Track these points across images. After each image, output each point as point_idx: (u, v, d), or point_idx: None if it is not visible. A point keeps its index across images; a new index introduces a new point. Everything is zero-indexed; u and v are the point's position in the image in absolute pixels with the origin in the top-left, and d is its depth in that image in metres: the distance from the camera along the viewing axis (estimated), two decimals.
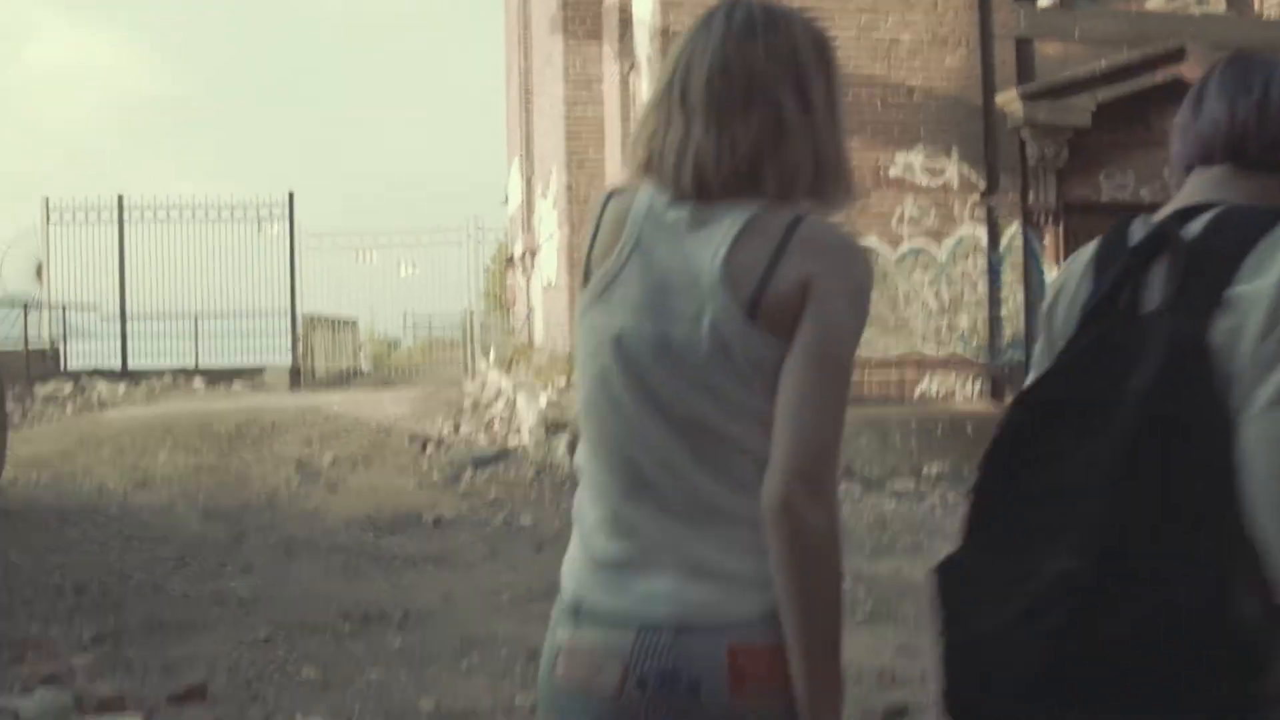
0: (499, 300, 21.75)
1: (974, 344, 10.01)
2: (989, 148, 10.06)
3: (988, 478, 1.46)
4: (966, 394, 9.98)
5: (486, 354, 16.50)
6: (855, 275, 1.42)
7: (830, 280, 1.38)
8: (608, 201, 1.52)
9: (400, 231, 20.70)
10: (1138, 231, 1.49)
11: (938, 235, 9.94)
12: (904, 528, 7.64)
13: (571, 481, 8.99)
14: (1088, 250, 1.57)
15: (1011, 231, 10.09)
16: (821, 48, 1.48)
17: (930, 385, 9.95)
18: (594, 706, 1.41)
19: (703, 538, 1.39)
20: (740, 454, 1.39)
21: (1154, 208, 2.01)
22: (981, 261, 9.98)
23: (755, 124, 1.42)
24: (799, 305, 1.37)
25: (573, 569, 1.50)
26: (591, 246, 1.51)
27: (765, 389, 1.38)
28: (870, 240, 9.85)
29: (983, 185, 9.97)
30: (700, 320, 1.38)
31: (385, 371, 21.70)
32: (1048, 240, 10.19)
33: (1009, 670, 1.34)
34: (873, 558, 6.76)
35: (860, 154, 9.78)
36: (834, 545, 1.35)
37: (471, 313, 19.40)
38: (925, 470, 9.49)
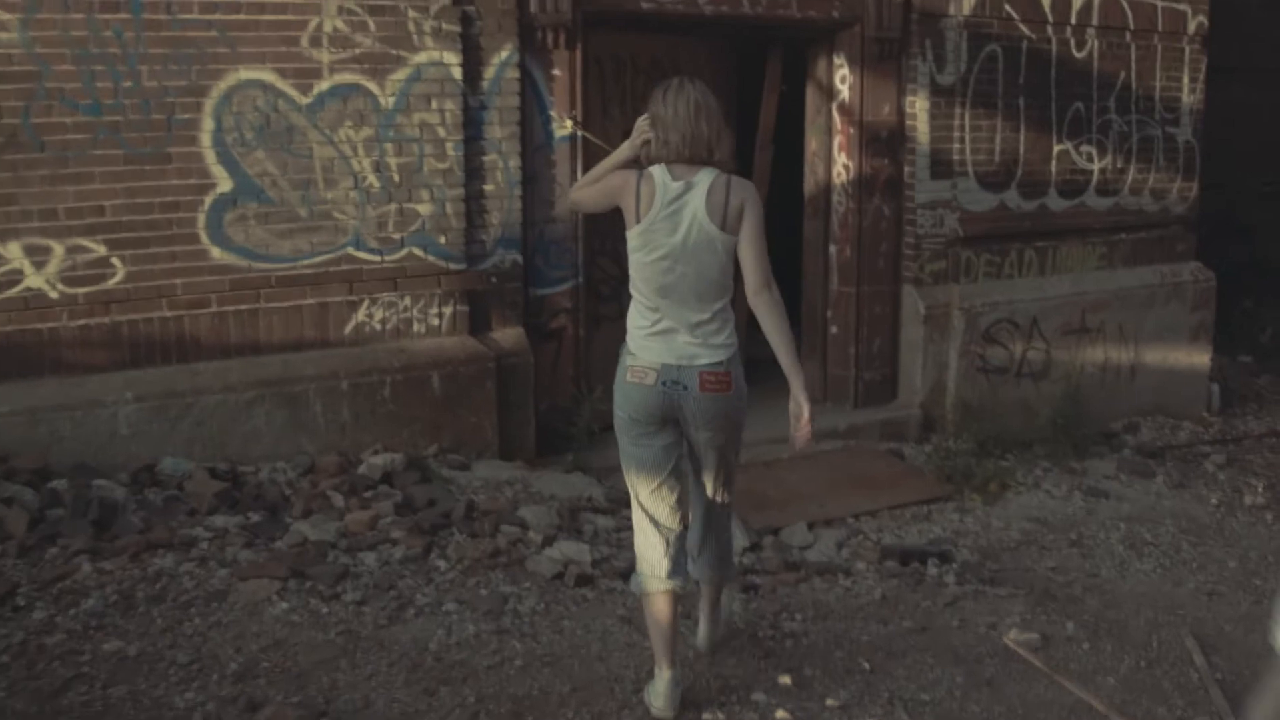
0: None
1: (442, 241, 6.31)
2: None
3: None
4: (431, 324, 6.32)
5: None
6: (758, 198, 3.61)
7: (750, 204, 3.57)
8: (639, 179, 3.58)
9: None
10: None
11: (380, 65, 6.06)
12: (286, 663, 3.97)
13: None
14: None
15: (502, 58, 6.34)
16: (715, 101, 3.64)
17: (372, 314, 6.20)
18: (644, 391, 3.60)
19: (697, 330, 3.56)
20: (718, 285, 3.58)
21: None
22: (453, 107, 6.21)
23: (709, 135, 3.57)
24: (740, 217, 3.54)
25: (632, 335, 3.66)
26: (638, 201, 3.55)
27: (730, 256, 3.57)
28: (262, 74, 5.85)
29: None
30: (698, 229, 3.52)
31: None
32: (559, 71, 6.53)
33: None
34: None
35: None
36: (781, 304, 3.61)
37: None
38: (365, 464, 5.84)
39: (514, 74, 6.36)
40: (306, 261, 6.01)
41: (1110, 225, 8.64)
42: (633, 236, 3.58)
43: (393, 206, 6.15)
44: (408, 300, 6.24)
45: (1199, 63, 9.00)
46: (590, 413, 6.69)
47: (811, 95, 7.71)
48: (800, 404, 3.57)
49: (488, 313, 6.46)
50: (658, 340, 3.59)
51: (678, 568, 3.73)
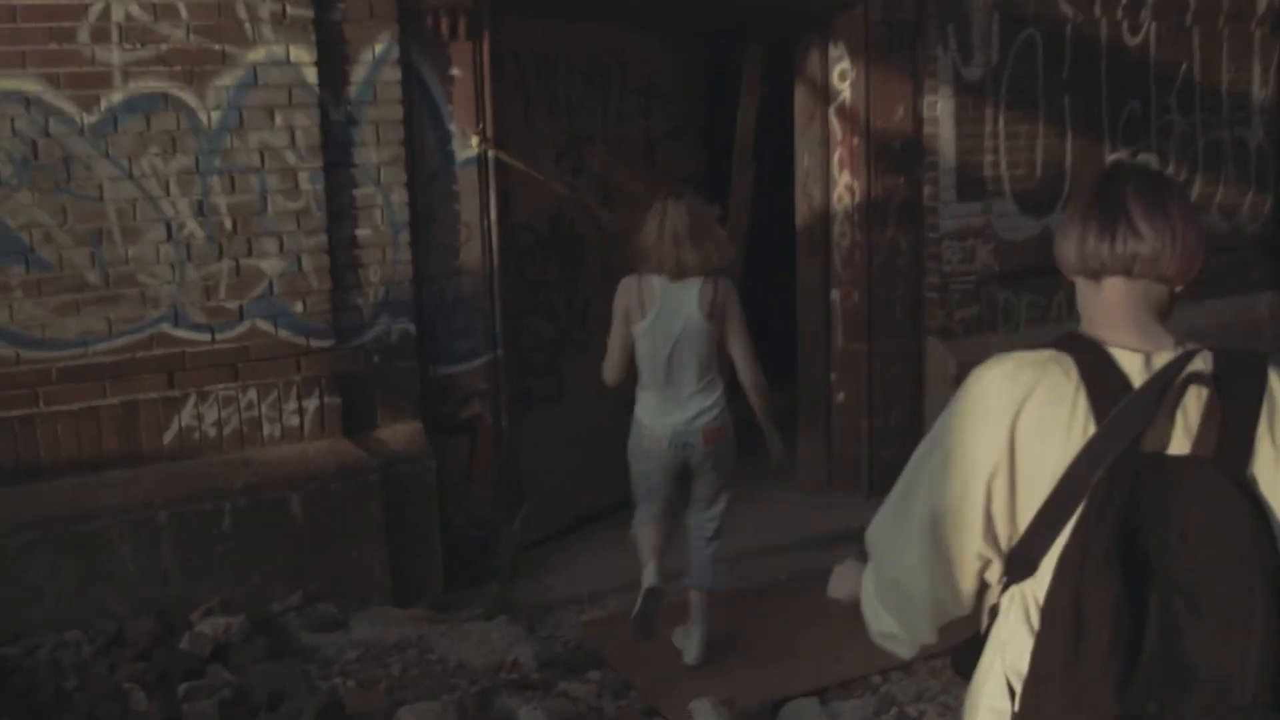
0: None
1: (298, 310, 4.56)
2: None
3: None
4: (288, 424, 4.55)
5: None
6: (736, 294, 4.27)
7: (733, 302, 4.21)
8: (639, 280, 4.18)
9: None
10: (1131, 366, 1.58)
11: (199, 67, 4.32)
12: None
13: None
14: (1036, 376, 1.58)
15: (376, 54, 4.61)
16: (700, 220, 4.20)
17: (201, 414, 4.43)
18: (660, 454, 4.22)
19: (695, 397, 4.18)
20: (709, 362, 4.20)
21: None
22: (308, 123, 4.48)
23: (690, 259, 4.11)
24: (725, 312, 4.18)
25: (643, 410, 4.24)
26: (643, 302, 4.14)
27: (717, 342, 4.21)
28: (24, 84, 4.11)
29: None
30: (691, 322, 4.13)
31: None
32: (459, 71, 4.81)
33: None
34: None
35: None
36: (767, 388, 4.34)
37: None
38: (190, 633, 4.09)
39: (394, 75, 4.63)
40: (102, 346, 4.25)
41: None
42: (640, 330, 4.19)
43: (225, 264, 4.39)
44: (253, 393, 4.48)
45: (1271, 51, 7.36)
46: (519, 529, 4.95)
47: (803, 97, 5.99)
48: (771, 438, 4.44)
49: (369, 404, 4.70)
50: (667, 411, 4.23)
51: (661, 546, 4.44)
